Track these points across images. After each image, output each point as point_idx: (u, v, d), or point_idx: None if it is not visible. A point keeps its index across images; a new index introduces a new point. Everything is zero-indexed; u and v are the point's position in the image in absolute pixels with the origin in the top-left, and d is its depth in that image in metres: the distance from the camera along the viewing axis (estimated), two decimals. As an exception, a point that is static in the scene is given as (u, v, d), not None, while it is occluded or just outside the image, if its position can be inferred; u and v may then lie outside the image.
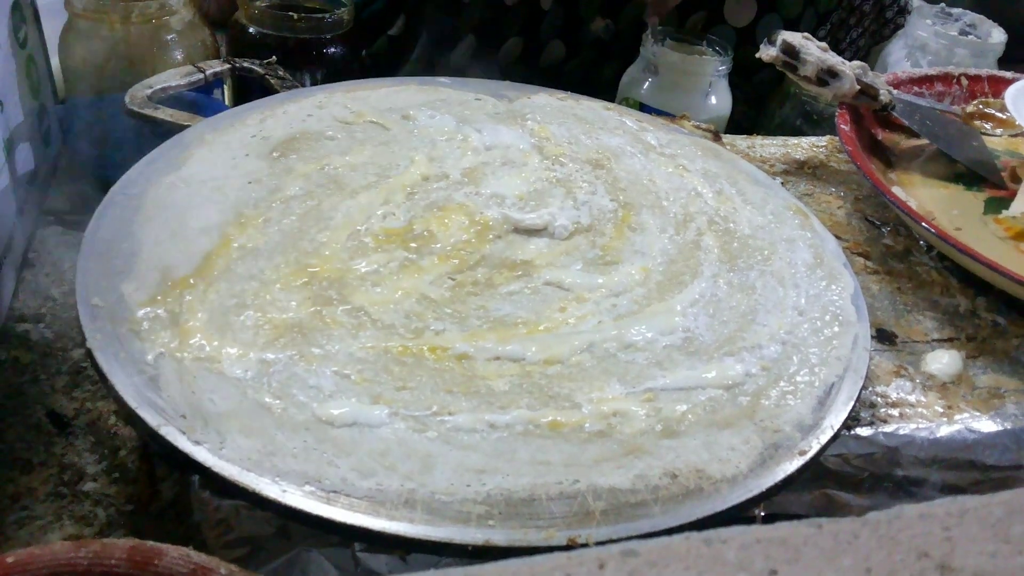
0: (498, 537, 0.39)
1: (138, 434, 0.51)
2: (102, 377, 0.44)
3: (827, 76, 0.76)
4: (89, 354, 0.44)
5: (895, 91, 0.81)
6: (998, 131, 0.86)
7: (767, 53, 0.76)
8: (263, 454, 0.41)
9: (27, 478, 0.50)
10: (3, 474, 0.50)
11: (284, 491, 0.40)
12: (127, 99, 0.65)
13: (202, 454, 0.41)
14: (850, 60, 0.78)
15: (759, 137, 0.87)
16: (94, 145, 0.72)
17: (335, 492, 0.40)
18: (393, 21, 0.96)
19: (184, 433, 0.41)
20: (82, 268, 0.49)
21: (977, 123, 0.87)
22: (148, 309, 0.48)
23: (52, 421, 0.54)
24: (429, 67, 0.96)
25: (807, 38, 0.76)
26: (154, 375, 0.44)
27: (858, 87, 0.77)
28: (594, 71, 1.00)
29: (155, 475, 0.51)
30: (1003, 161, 0.80)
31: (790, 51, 0.75)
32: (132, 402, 0.42)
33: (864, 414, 0.54)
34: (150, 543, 0.33)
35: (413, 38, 0.96)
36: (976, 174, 0.78)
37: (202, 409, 0.43)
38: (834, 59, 0.76)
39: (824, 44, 0.77)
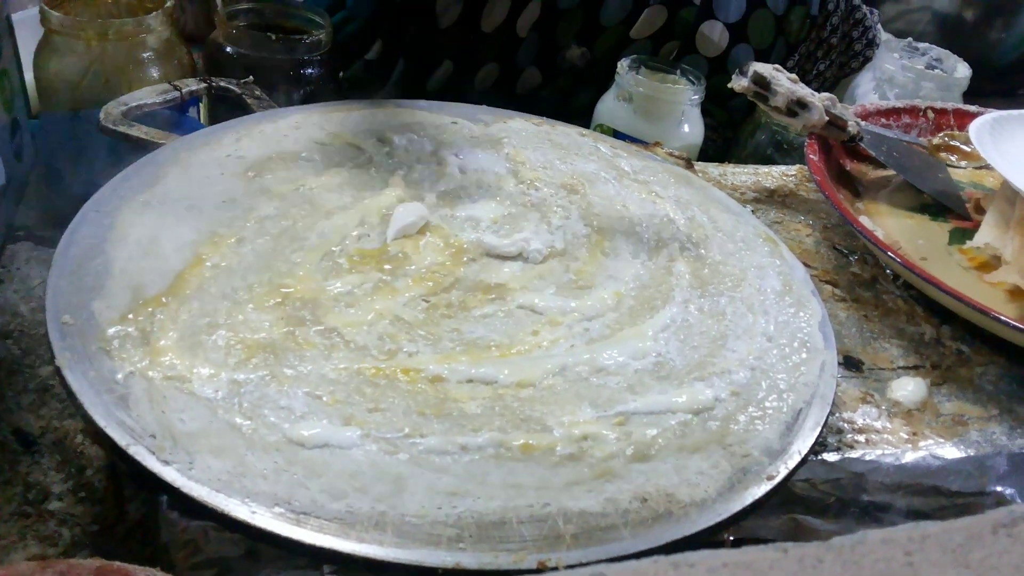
0: (469, 560, 0.39)
1: (106, 453, 0.50)
2: (71, 395, 0.43)
3: (797, 107, 0.77)
4: (58, 372, 0.44)
5: (863, 123, 0.83)
6: (963, 163, 0.88)
7: (739, 83, 0.77)
8: (233, 475, 0.41)
9: (-9, 497, 0.50)
10: (-33, 493, 0.49)
11: (253, 512, 0.40)
12: (102, 116, 0.65)
13: (171, 474, 0.40)
14: (817, 91, 0.80)
15: (731, 165, 0.88)
16: (67, 161, 0.71)
17: (305, 514, 0.40)
18: (370, 45, 0.96)
19: (153, 453, 0.41)
20: (52, 285, 0.49)
21: (943, 155, 0.89)
22: (119, 327, 0.47)
23: (18, 439, 0.53)
24: (406, 92, 0.97)
25: (777, 69, 0.78)
26: (124, 394, 0.44)
27: (827, 118, 0.78)
28: (570, 98, 1.01)
29: (122, 495, 0.50)
30: (967, 193, 0.82)
31: (761, 82, 0.76)
32: (101, 421, 0.42)
33: (831, 440, 0.55)
34: (117, 564, 0.33)
35: (390, 63, 0.96)
36: (942, 205, 0.80)
37: (172, 429, 0.42)
38: (804, 91, 0.78)
39: (794, 76, 0.79)
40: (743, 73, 0.77)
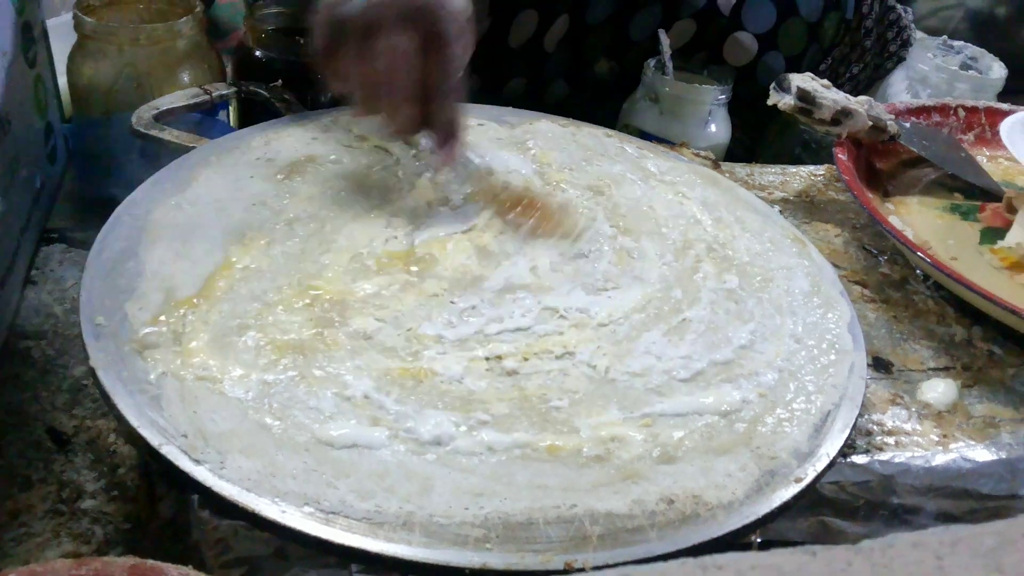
0: (495, 560, 0.40)
1: (139, 453, 0.51)
2: (104, 396, 0.44)
3: (841, 116, 0.77)
4: (92, 372, 0.45)
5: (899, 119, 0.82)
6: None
7: (784, 102, 0.76)
8: (263, 475, 0.41)
9: (26, 495, 0.51)
10: (2, 491, 0.50)
11: (283, 512, 0.40)
12: (133, 119, 0.66)
13: (202, 474, 0.41)
14: (850, 93, 0.79)
15: (758, 165, 0.87)
16: (100, 165, 0.72)
17: (334, 513, 0.41)
18: None
19: (185, 452, 0.42)
20: (86, 287, 0.50)
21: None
22: (151, 328, 0.48)
23: (52, 438, 0.54)
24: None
25: (814, 79, 0.77)
26: (156, 394, 0.44)
27: (870, 123, 0.78)
28: (597, 108, 1.01)
29: (154, 494, 0.51)
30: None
31: (806, 97, 0.76)
32: (134, 421, 0.43)
33: (860, 442, 0.55)
34: (150, 562, 0.34)
35: None
36: (972, 204, 0.79)
37: (203, 429, 0.43)
38: (847, 99, 0.77)
39: (827, 82, 0.78)
40: (783, 89, 0.76)
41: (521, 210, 0.62)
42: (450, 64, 0.57)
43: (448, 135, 0.60)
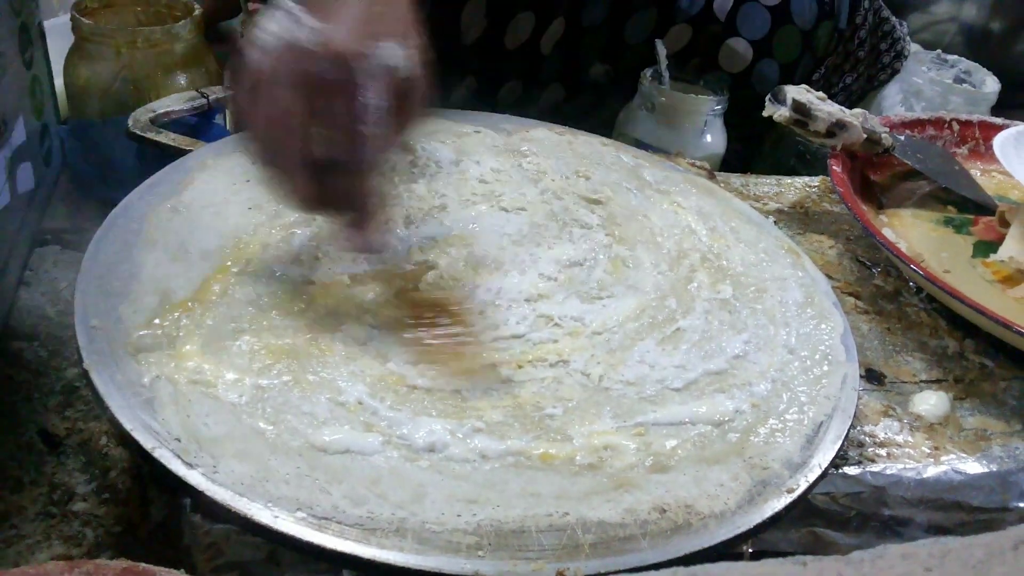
0: (487, 568, 0.40)
1: (131, 456, 0.51)
2: (97, 398, 0.44)
3: (836, 128, 0.77)
4: (85, 375, 0.45)
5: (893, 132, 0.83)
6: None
7: (779, 113, 0.77)
8: (256, 479, 0.41)
9: (17, 497, 0.50)
10: (-7, 492, 0.50)
11: (276, 517, 0.40)
12: (130, 122, 0.66)
13: (195, 478, 0.41)
14: (843, 104, 0.80)
15: (753, 176, 0.88)
16: (95, 167, 0.72)
17: (326, 519, 0.40)
18: None
19: (178, 456, 0.42)
20: (81, 289, 0.50)
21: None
22: (145, 331, 0.48)
23: (43, 440, 0.54)
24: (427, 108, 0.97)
25: (809, 91, 0.78)
26: (149, 398, 0.44)
27: (864, 136, 0.78)
28: (592, 112, 1.01)
29: (146, 497, 0.51)
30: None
31: (801, 109, 0.76)
32: (127, 424, 0.42)
33: (852, 453, 0.55)
34: (142, 565, 0.33)
35: None
36: (965, 217, 0.80)
37: (196, 433, 0.43)
38: (841, 111, 0.78)
39: (822, 94, 0.78)
40: (778, 100, 0.77)
41: (431, 318, 0.53)
42: (354, 127, 0.47)
43: (358, 218, 0.50)
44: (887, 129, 0.81)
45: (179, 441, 0.42)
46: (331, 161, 0.48)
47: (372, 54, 0.47)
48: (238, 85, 0.49)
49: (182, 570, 0.35)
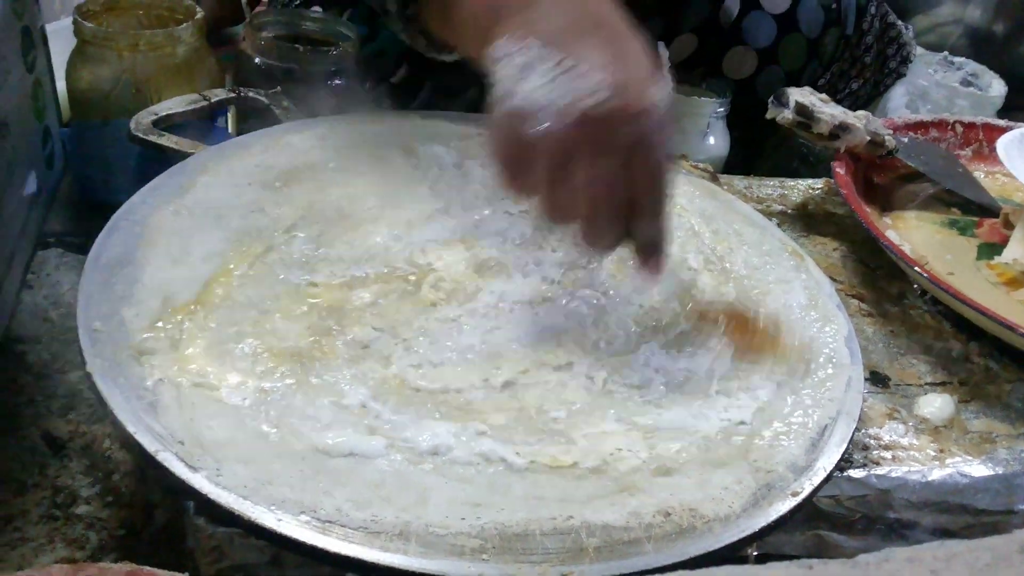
0: (491, 571, 0.39)
1: (135, 459, 0.51)
2: (101, 401, 0.44)
3: (839, 131, 0.77)
4: (89, 378, 0.45)
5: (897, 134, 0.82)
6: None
7: (782, 116, 0.77)
8: (259, 482, 0.41)
9: (20, 500, 0.50)
10: (-4, 496, 0.50)
11: (279, 520, 0.40)
12: (132, 125, 0.66)
13: (199, 481, 0.41)
14: (849, 108, 0.80)
15: (756, 178, 0.88)
16: (97, 170, 0.72)
17: (330, 522, 0.40)
18: (395, 69, 0.95)
19: (181, 459, 0.41)
20: (84, 292, 0.50)
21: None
22: (149, 334, 0.48)
23: (47, 443, 0.54)
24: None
25: (813, 94, 0.77)
26: (153, 401, 0.44)
27: (868, 138, 0.78)
28: None
29: (149, 500, 0.51)
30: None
31: (804, 112, 0.76)
32: (130, 427, 0.42)
33: (857, 456, 0.55)
34: (147, 569, 0.33)
35: (415, 87, 0.96)
36: (970, 220, 0.79)
37: (200, 436, 0.43)
38: (844, 114, 0.78)
39: (825, 96, 0.78)
40: (781, 103, 0.76)
41: (736, 329, 0.57)
42: (658, 175, 0.49)
43: (652, 251, 0.52)
44: (890, 131, 0.81)
45: (182, 444, 0.42)
46: (638, 205, 0.49)
47: (657, 100, 0.47)
48: (515, 164, 0.49)
49: (185, 573, 0.35)
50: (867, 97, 1.09)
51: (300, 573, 0.44)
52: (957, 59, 1.09)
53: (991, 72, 1.07)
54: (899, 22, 1.06)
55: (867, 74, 1.06)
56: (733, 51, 0.96)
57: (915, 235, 0.77)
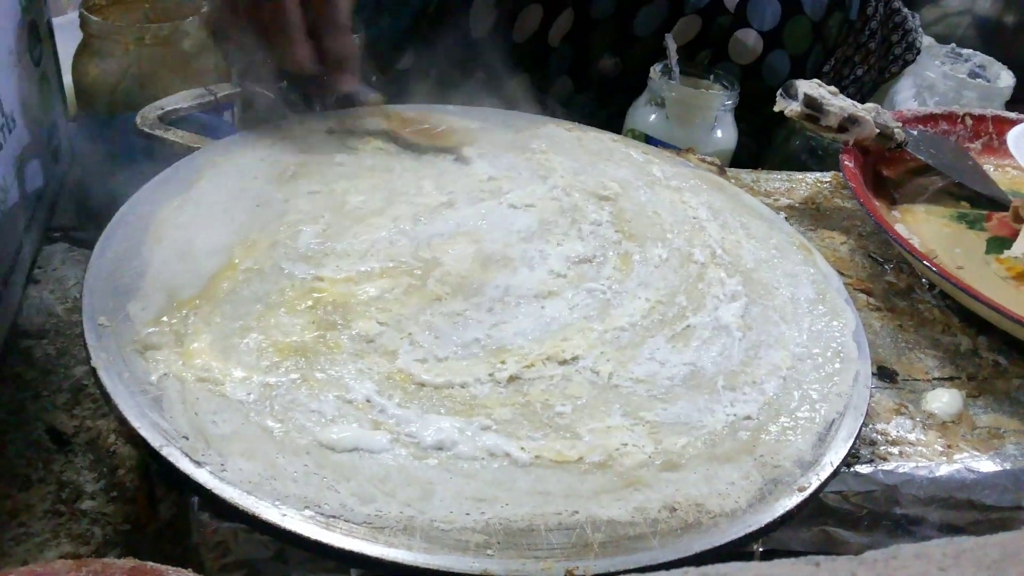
0: (496, 567, 0.39)
1: (139, 454, 0.51)
2: (105, 396, 0.44)
3: (848, 123, 0.76)
4: (93, 373, 0.45)
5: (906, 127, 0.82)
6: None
7: (790, 108, 0.76)
8: (264, 477, 0.41)
9: (26, 495, 0.50)
10: (2, 490, 0.50)
11: (284, 515, 0.40)
12: (138, 119, 0.66)
13: (203, 476, 0.41)
14: (854, 96, 0.79)
15: (764, 171, 0.87)
16: (103, 164, 0.72)
17: (334, 517, 0.40)
18: (401, 55, 0.96)
19: (186, 454, 0.41)
20: (89, 287, 0.50)
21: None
22: (153, 329, 0.48)
23: (52, 438, 0.54)
24: (437, 102, 0.97)
25: (821, 86, 0.77)
26: (157, 396, 0.44)
27: (877, 130, 0.77)
28: (601, 106, 1.01)
29: (154, 495, 0.51)
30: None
31: (813, 104, 0.75)
32: (135, 422, 0.42)
33: (864, 451, 0.54)
34: (150, 564, 0.33)
35: (422, 73, 0.96)
36: (979, 213, 0.79)
37: (204, 431, 0.43)
38: (853, 106, 0.77)
39: (833, 88, 0.78)
40: (790, 95, 0.76)
41: (412, 129, 0.69)
42: (336, 2, 0.64)
43: (341, 67, 0.67)
44: (899, 124, 0.81)
45: (187, 439, 0.42)
46: (323, 26, 0.64)
47: None
48: (225, 5, 0.65)
49: (190, 568, 0.35)
50: (872, 84, 1.08)
51: (304, 568, 0.44)
52: (965, 51, 1.08)
53: (999, 63, 1.06)
54: (904, 8, 1.05)
55: (872, 60, 1.05)
56: (738, 34, 0.96)
57: (924, 229, 0.77)
